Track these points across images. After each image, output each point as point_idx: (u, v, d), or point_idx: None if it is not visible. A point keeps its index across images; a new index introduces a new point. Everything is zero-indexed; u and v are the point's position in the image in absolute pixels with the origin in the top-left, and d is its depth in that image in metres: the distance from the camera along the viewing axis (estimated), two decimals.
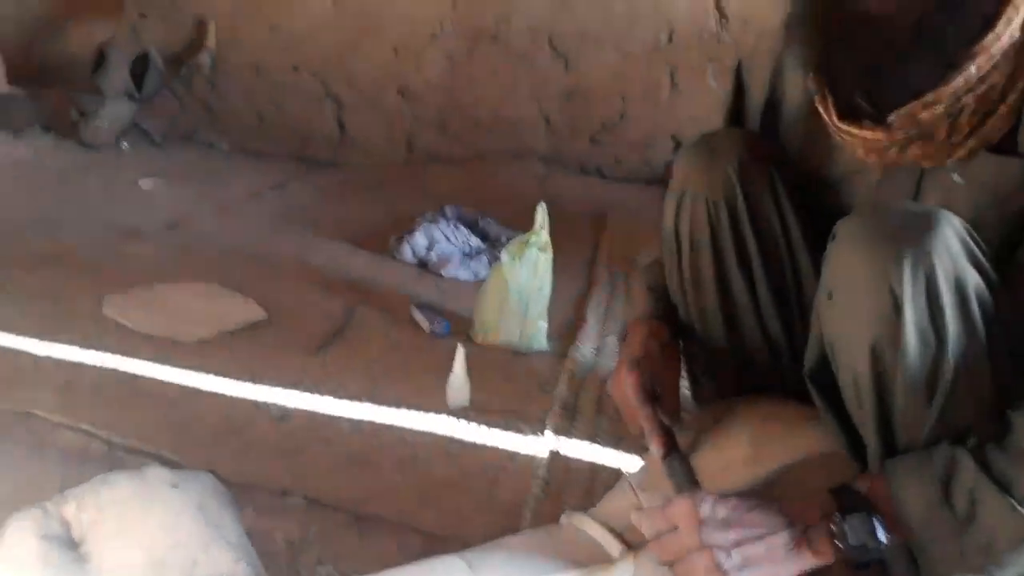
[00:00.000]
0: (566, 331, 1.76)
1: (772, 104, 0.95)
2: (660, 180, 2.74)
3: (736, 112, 1.01)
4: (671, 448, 0.88)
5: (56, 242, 2.08)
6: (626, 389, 0.91)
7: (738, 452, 0.87)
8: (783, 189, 0.89)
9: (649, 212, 2.59)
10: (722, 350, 0.96)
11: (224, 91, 3.15)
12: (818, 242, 0.84)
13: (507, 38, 2.77)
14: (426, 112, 2.97)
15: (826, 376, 0.80)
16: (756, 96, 0.97)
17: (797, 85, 0.89)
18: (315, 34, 2.99)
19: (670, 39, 2.68)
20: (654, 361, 0.93)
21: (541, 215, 1.63)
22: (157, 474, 0.96)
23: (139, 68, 3.01)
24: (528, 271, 1.62)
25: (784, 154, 0.92)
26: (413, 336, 1.72)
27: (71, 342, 1.53)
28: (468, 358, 1.42)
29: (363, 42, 2.94)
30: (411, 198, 2.64)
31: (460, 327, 1.73)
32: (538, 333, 1.66)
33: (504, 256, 1.63)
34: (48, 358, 1.49)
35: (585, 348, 1.66)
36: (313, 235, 2.27)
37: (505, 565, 0.85)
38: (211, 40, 3.06)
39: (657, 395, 0.92)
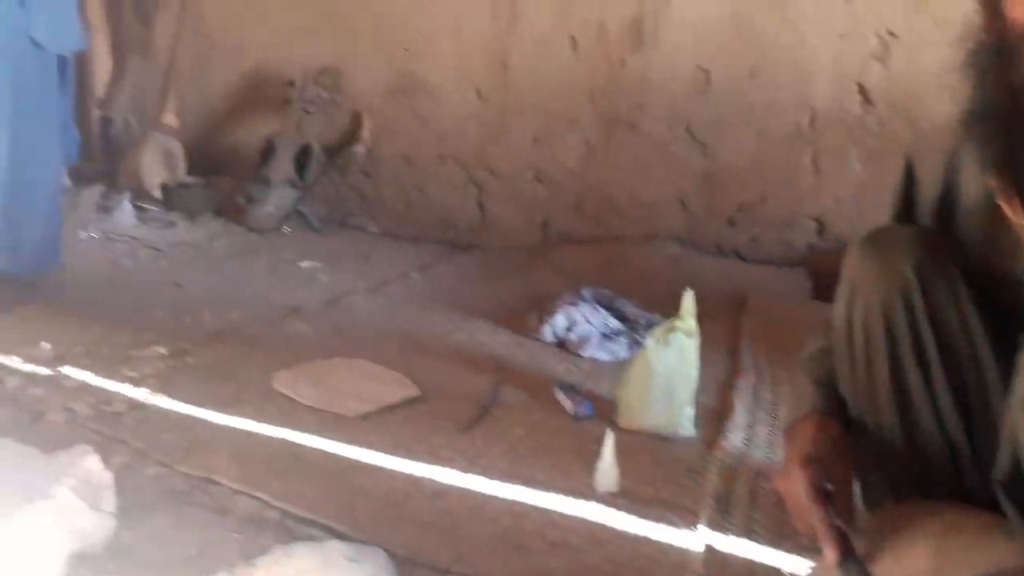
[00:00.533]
0: (711, 418, 1.75)
1: (946, 200, 0.94)
2: (802, 262, 2.70)
3: (906, 208, 1.00)
4: (847, 553, 0.84)
5: (228, 318, 2.28)
6: (798, 487, 0.89)
7: (921, 563, 0.83)
8: (963, 286, 0.88)
9: (791, 295, 2.57)
10: (897, 449, 0.93)
11: (376, 179, 3.39)
12: (1000, 341, 0.81)
13: (644, 126, 2.85)
14: (562, 195, 3.07)
15: (1019, 485, 0.76)
16: (929, 192, 0.96)
17: (976, 182, 0.88)
18: (461, 126, 3.18)
19: (811, 123, 2.67)
20: (825, 458, 0.91)
21: (688, 301, 1.64)
22: (335, 548, 1.02)
23: (302, 158, 3.29)
24: (675, 356, 1.63)
25: (962, 251, 0.91)
26: (557, 417, 1.75)
27: (245, 414, 1.66)
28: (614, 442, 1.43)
29: (504, 132, 3.10)
30: (548, 278, 2.73)
31: (602, 409, 1.75)
32: (685, 419, 1.65)
33: (650, 340, 1.65)
34: (225, 427, 1.62)
35: (734, 437, 1.64)
36: (458, 315, 2.37)
37: None
38: (366, 133, 3.31)
39: (829, 495, 0.90)
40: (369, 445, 1.55)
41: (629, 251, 2.87)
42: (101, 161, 3.60)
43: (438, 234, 3.30)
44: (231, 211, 3.34)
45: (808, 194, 2.74)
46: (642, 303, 2.39)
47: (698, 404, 1.69)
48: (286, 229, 3.29)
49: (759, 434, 1.67)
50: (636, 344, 2.12)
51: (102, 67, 3.49)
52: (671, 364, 1.62)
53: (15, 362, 1.84)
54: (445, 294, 2.59)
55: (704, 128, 2.80)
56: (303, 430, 1.61)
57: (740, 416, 1.73)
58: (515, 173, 3.12)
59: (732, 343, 2.20)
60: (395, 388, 1.81)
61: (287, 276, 2.76)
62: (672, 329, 1.63)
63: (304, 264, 2.87)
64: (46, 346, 1.91)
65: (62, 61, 2.17)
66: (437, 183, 3.29)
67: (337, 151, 3.39)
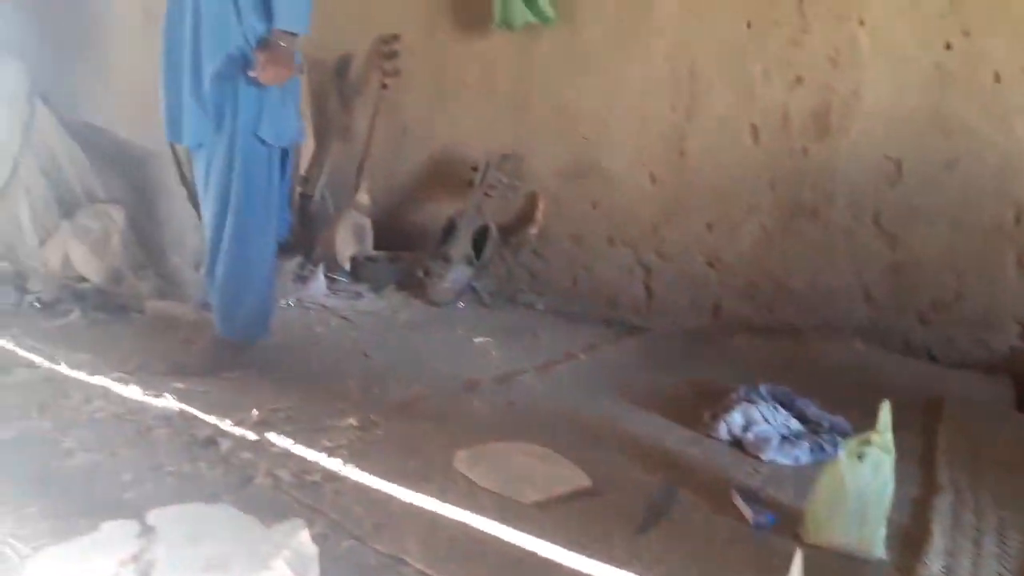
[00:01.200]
0: (905, 540, 1.63)
1: None
2: (1003, 368, 2.49)
3: None
4: None
5: (410, 390, 2.40)
6: None
7: None
8: None
9: (992, 405, 2.37)
10: None
11: (546, 258, 3.49)
12: None
13: (827, 214, 2.78)
14: (735, 280, 3.02)
15: None
16: None
17: None
18: (632, 209, 3.23)
19: (1017, 219, 2.49)
20: None
21: (885, 415, 1.56)
22: None
23: (479, 238, 3.46)
24: (869, 472, 1.55)
25: None
26: (736, 526, 1.69)
27: (430, 492, 1.74)
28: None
29: (677, 217, 3.12)
30: (719, 368, 2.68)
31: (784, 519, 1.68)
32: (877, 540, 1.55)
33: (842, 453, 1.58)
34: (412, 505, 1.70)
35: (933, 564, 1.52)
36: (626, 402, 2.37)
37: None
38: (540, 214, 3.44)
39: None
40: (545, 537, 1.57)
41: (808, 344, 2.77)
42: (299, 234, 3.95)
43: (603, 313, 3.33)
44: (412, 284, 3.55)
45: (1011, 293, 2.54)
46: (823, 402, 2.29)
47: (890, 523, 1.59)
48: (460, 304, 3.45)
49: (961, 564, 1.55)
50: (819, 449, 2.03)
51: (306, 150, 3.86)
52: (865, 480, 1.54)
53: (227, 425, 2.04)
54: (612, 378, 2.60)
55: (893, 218, 2.68)
56: (482, 513, 1.66)
57: (938, 540, 1.61)
58: (686, 256, 3.12)
59: (926, 456, 2.06)
60: (568, 477, 1.84)
61: (462, 350, 2.87)
62: (867, 442, 1.55)
63: (477, 340, 2.98)
64: (255, 412, 2.10)
65: (284, 153, 2.43)
66: (605, 263, 3.35)
67: (512, 231, 3.54)
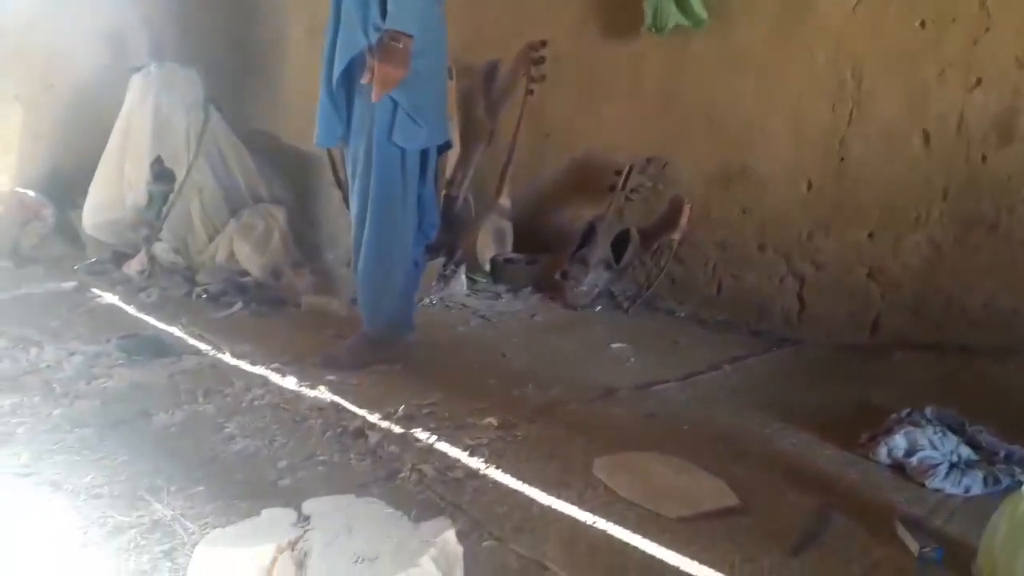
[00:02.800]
0: None
1: None
2: None
3: None
4: None
5: (549, 394, 2.40)
6: None
7: None
8: None
9: None
10: None
11: (689, 263, 3.40)
12: None
13: (1009, 228, 2.53)
14: (899, 295, 2.82)
15: None
16: None
17: None
18: (785, 216, 3.08)
19: None
20: None
21: None
22: None
23: (619, 242, 3.42)
24: None
25: None
26: (898, 556, 1.57)
27: (569, 498, 1.72)
28: None
29: (835, 225, 2.95)
30: (879, 386, 2.50)
31: (953, 554, 1.54)
32: None
33: None
34: (551, 509, 1.69)
35: None
36: (776, 418, 2.25)
37: None
38: (684, 220, 3.34)
39: None
40: (690, 554, 1.52)
41: (980, 365, 2.53)
42: (442, 235, 4.04)
43: (750, 323, 3.20)
44: (549, 287, 3.55)
45: None
46: (998, 430, 2.08)
47: None
48: (597, 308, 3.41)
49: None
50: (994, 480, 1.86)
51: (452, 152, 3.94)
52: None
53: (376, 418, 2.11)
54: (762, 393, 2.48)
55: None
56: (623, 524, 1.62)
57: None
58: (844, 267, 2.94)
59: None
60: (714, 494, 1.76)
61: (599, 356, 2.84)
62: None
63: (615, 346, 2.93)
64: (401, 407, 2.16)
65: (424, 156, 2.49)
66: (754, 271, 3.21)
67: (654, 236, 3.46)
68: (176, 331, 2.80)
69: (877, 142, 2.81)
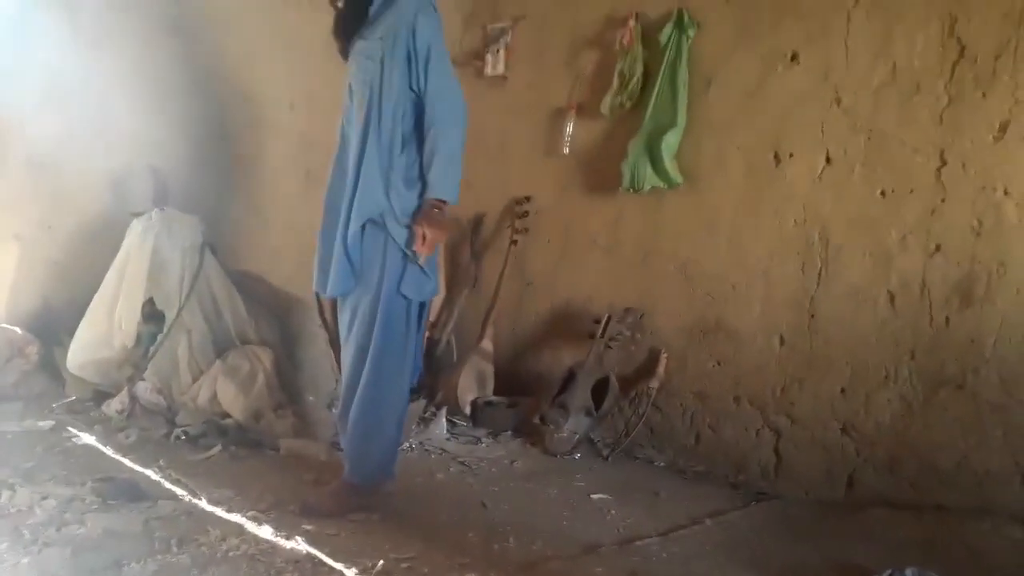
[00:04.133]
0: None
1: None
2: None
3: None
4: None
5: (530, 549, 2.37)
6: None
7: None
8: None
9: None
10: None
11: (667, 413, 3.44)
12: None
13: (975, 388, 2.63)
14: (873, 452, 2.86)
15: None
16: None
17: None
18: (760, 370, 3.17)
19: None
20: None
21: None
22: None
23: (599, 389, 3.47)
24: None
25: None
26: None
27: None
28: None
29: (809, 380, 3.03)
30: (858, 545, 2.51)
31: None
32: None
33: None
34: None
35: None
36: None
37: None
38: (662, 368, 3.43)
39: None
40: None
41: (956, 526, 2.55)
42: (424, 376, 4.09)
43: (728, 475, 3.22)
44: (529, 431, 3.57)
45: None
46: None
47: None
48: (577, 455, 3.41)
49: None
50: None
51: (437, 297, 4.06)
52: None
53: (353, 573, 2.07)
54: (743, 551, 2.47)
55: None
56: None
57: None
58: (818, 422, 3.00)
59: None
60: None
61: (580, 507, 2.82)
62: None
63: (595, 496, 2.92)
64: (380, 562, 2.12)
65: (422, 305, 2.59)
66: (730, 423, 3.26)
67: (632, 384, 3.53)
68: (153, 474, 2.76)
69: (845, 301, 2.95)
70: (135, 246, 3.45)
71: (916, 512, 2.68)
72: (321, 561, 2.13)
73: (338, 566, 2.10)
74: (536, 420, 3.53)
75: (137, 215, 3.61)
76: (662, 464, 3.40)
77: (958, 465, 2.66)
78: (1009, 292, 2.60)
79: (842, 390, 2.94)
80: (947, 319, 2.71)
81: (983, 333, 2.64)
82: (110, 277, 3.50)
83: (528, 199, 3.99)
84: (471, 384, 3.87)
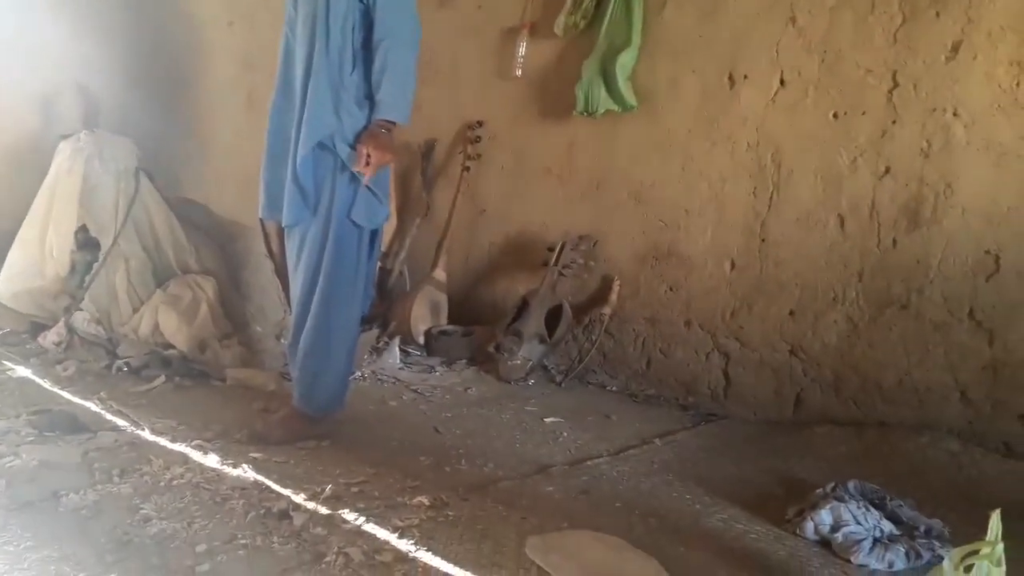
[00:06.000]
0: None
1: None
2: None
3: None
4: None
5: (482, 471, 2.37)
6: None
7: None
8: None
9: None
10: None
11: (619, 339, 3.46)
12: None
13: (919, 308, 2.67)
14: (819, 373, 2.92)
15: None
16: None
17: None
18: (710, 294, 3.18)
19: None
20: None
21: (995, 525, 1.46)
22: None
23: (552, 316, 3.46)
24: None
25: None
26: None
27: None
28: None
29: (758, 303, 3.06)
30: (802, 462, 2.57)
31: None
32: None
33: (946, 563, 1.47)
34: None
35: None
36: (706, 494, 2.28)
37: None
38: (615, 295, 3.42)
39: None
40: None
41: (897, 440, 2.63)
42: (376, 307, 4.02)
43: (678, 397, 3.26)
44: (483, 360, 3.56)
45: None
46: (915, 503, 2.16)
47: None
48: (531, 381, 3.42)
49: None
50: (915, 555, 1.91)
51: (388, 226, 3.97)
52: None
53: (301, 499, 2.04)
54: (691, 468, 2.51)
55: (991, 315, 2.56)
56: None
57: None
58: (767, 345, 3.04)
59: None
60: (646, 573, 1.76)
61: (533, 430, 2.83)
62: (974, 553, 1.44)
63: (548, 420, 2.94)
64: (328, 487, 2.10)
65: (373, 233, 2.50)
66: (681, 347, 3.29)
67: (585, 311, 3.53)
68: (93, 406, 2.67)
69: (796, 225, 2.95)
70: (64, 169, 3.28)
71: (859, 428, 2.75)
72: (268, 488, 2.10)
73: (286, 492, 2.07)
74: (491, 348, 3.51)
75: (65, 137, 3.41)
76: (614, 389, 3.43)
77: (900, 383, 2.72)
78: (955, 213, 2.63)
79: (791, 312, 2.97)
80: (894, 241, 2.74)
81: (929, 254, 2.67)
82: (39, 202, 3.32)
83: (480, 124, 3.89)
84: (424, 313, 3.83)
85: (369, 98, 2.35)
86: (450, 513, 2.03)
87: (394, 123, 2.34)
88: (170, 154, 4.20)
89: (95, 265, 3.25)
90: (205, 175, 4.23)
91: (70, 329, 3.17)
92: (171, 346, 3.17)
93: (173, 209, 3.53)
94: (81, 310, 3.18)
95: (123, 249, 3.32)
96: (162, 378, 2.96)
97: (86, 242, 3.25)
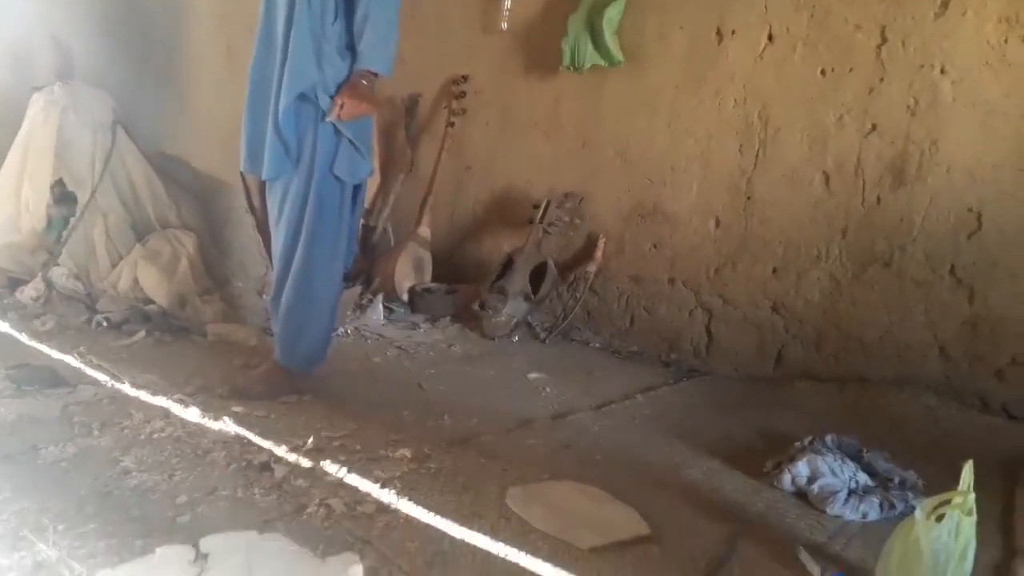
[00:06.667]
0: None
1: None
2: None
3: None
4: None
5: (465, 425, 2.38)
6: None
7: None
8: None
9: None
10: None
11: (604, 296, 3.46)
12: None
13: (901, 265, 2.68)
14: (801, 329, 2.93)
15: None
16: None
17: None
18: (694, 252, 3.18)
19: None
20: None
21: (968, 475, 1.48)
22: None
23: (537, 274, 3.45)
24: (948, 535, 1.45)
25: None
26: None
27: (481, 530, 1.70)
28: None
29: (742, 260, 3.06)
30: (783, 416, 2.60)
31: None
32: None
33: (918, 513, 1.49)
34: (464, 542, 1.66)
35: None
36: (686, 446, 2.31)
37: None
38: (599, 253, 3.41)
39: None
40: None
41: (877, 395, 2.66)
42: (359, 264, 4.00)
43: (661, 354, 3.28)
44: (468, 317, 3.55)
45: None
46: (892, 456, 2.19)
47: None
48: (515, 338, 3.43)
49: None
50: (889, 506, 1.94)
51: (372, 182, 3.92)
52: (943, 543, 1.45)
53: (283, 451, 2.04)
54: (672, 422, 2.54)
55: (972, 272, 2.57)
56: (536, 555, 1.61)
57: None
58: (750, 302, 3.05)
59: (1005, 519, 1.94)
60: (626, 523, 1.78)
61: (516, 386, 2.84)
62: (946, 503, 1.46)
63: (532, 376, 2.95)
64: (310, 440, 2.10)
65: (356, 188, 2.47)
66: (665, 305, 3.30)
67: (570, 269, 3.52)
68: (72, 361, 2.65)
69: (781, 182, 2.94)
70: (38, 122, 3.20)
71: (840, 384, 2.78)
72: (250, 441, 2.09)
73: (267, 445, 2.07)
74: (475, 305, 3.51)
75: (38, 89, 3.33)
76: (598, 345, 3.44)
77: (881, 339, 2.75)
78: (940, 171, 2.62)
79: (774, 270, 2.98)
80: (879, 198, 2.74)
81: (912, 211, 2.67)
82: (13, 156, 3.25)
83: (465, 78, 3.83)
84: (408, 271, 3.81)
85: (351, 49, 2.30)
86: (432, 465, 2.03)
87: (376, 74, 2.30)
88: (148, 108, 4.11)
89: (72, 220, 3.20)
90: (184, 130, 4.15)
91: (48, 284, 3.13)
92: (151, 301, 3.14)
93: (152, 164, 3.47)
94: (59, 265, 3.14)
95: (101, 204, 3.26)
96: (142, 333, 2.94)
97: (63, 196, 3.19)
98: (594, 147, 3.46)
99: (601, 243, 3.42)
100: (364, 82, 2.28)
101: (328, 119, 2.28)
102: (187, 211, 3.43)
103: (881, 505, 1.94)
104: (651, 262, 3.32)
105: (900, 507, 1.93)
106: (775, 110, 2.95)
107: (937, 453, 2.32)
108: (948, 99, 2.60)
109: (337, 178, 2.35)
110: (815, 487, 2.00)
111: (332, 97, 2.29)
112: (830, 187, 2.84)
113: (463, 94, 3.83)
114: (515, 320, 3.42)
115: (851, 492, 1.99)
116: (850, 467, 2.07)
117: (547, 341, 3.42)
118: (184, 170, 3.64)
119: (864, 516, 1.91)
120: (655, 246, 3.31)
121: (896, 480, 2.07)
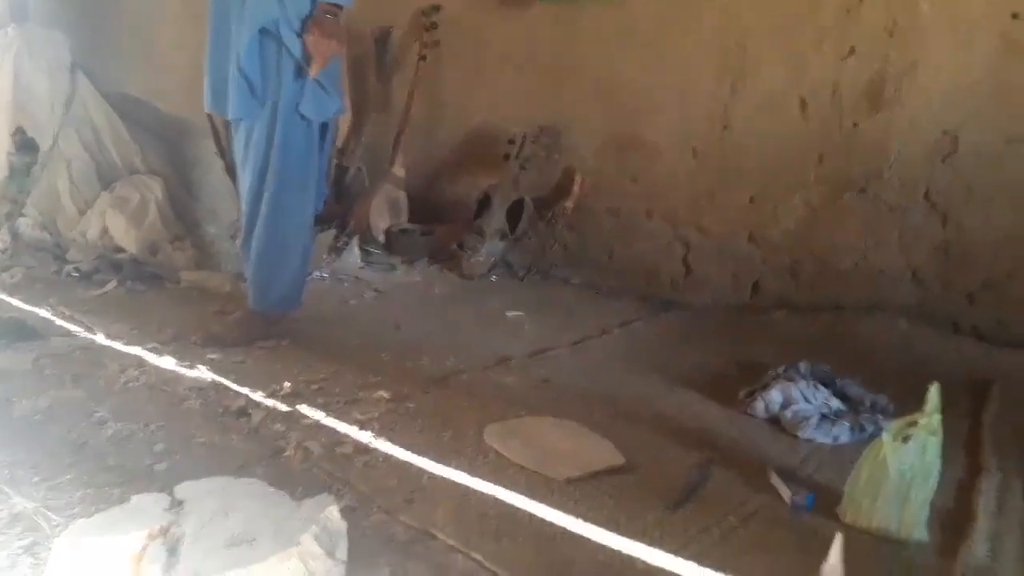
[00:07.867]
0: (947, 522, 1.57)
1: None
2: None
3: None
4: None
5: (443, 365, 2.38)
6: None
7: None
8: None
9: None
10: None
11: (581, 232, 3.44)
12: None
13: (877, 191, 2.68)
14: (778, 258, 2.94)
15: None
16: None
17: None
18: (672, 183, 3.16)
19: None
20: None
21: (934, 397, 1.50)
22: None
23: (514, 211, 3.42)
24: (914, 454, 1.48)
25: None
26: (773, 505, 1.64)
27: (460, 466, 1.72)
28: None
29: (719, 191, 3.04)
30: (758, 345, 2.62)
31: (822, 500, 1.63)
32: (920, 522, 1.50)
33: (886, 435, 1.51)
34: (442, 478, 1.68)
35: (977, 548, 1.46)
36: (661, 379, 2.33)
37: None
38: (577, 188, 3.38)
39: None
40: (578, 514, 1.54)
41: (851, 322, 2.69)
42: (333, 206, 3.94)
43: (640, 288, 3.28)
44: (445, 257, 3.53)
45: None
46: (865, 381, 2.22)
47: (933, 506, 1.53)
48: (493, 278, 3.41)
49: (1006, 547, 1.48)
50: (859, 428, 1.97)
51: (344, 122, 3.84)
52: (909, 463, 1.48)
53: (259, 396, 2.04)
54: (648, 354, 2.56)
55: (946, 197, 2.57)
56: (514, 489, 1.64)
57: (983, 523, 1.55)
58: (727, 232, 3.04)
59: (972, 437, 1.98)
60: (602, 454, 1.80)
61: (495, 325, 2.85)
62: (912, 424, 1.49)
63: (510, 314, 2.95)
64: (286, 384, 2.10)
65: (324, 127, 2.41)
66: (642, 238, 3.29)
67: (548, 205, 3.49)
68: (43, 312, 2.62)
69: (758, 110, 2.90)
70: None
71: (814, 312, 2.81)
72: (226, 387, 2.09)
73: (244, 390, 2.06)
74: (452, 245, 3.48)
75: None
76: (577, 282, 3.44)
77: (856, 266, 2.76)
78: (918, 94, 2.59)
79: (751, 199, 2.97)
80: (855, 124, 2.71)
81: (889, 136, 2.65)
82: None
83: (437, 8, 3.71)
84: (384, 212, 3.76)
85: None
86: (410, 405, 2.04)
87: (340, 6, 2.21)
88: (106, 49, 3.97)
89: (35, 168, 3.12)
90: (146, 70, 4.02)
91: (14, 235, 3.07)
92: (121, 249, 3.09)
93: (114, 107, 3.36)
94: (24, 215, 3.07)
95: (63, 150, 3.18)
96: (113, 282, 2.90)
97: (24, 144, 3.10)
98: (570, 80, 3.39)
99: (578, 178, 3.38)
100: (330, 16, 2.20)
101: (311, 77, 2.21)
102: (154, 155, 3.34)
103: (852, 428, 1.97)
104: (628, 195, 3.30)
105: (870, 429, 1.97)
106: (754, 37, 2.89)
107: (909, 376, 2.33)
108: (927, 18, 2.56)
109: (303, 117, 2.29)
110: (788, 412, 2.03)
111: (297, 33, 2.22)
112: (807, 113, 2.81)
113: (434, 25, 3.72)
114: (493, 259, 3.41)
115: (823, 417, 2.02)
116: (823, 393, 2.10)
117: (525, 280, 3.41)
118: (148, 112, 3.54)
119: (835, 439, 1.95)
120: (633, 179, 3.28)
121: (868, 403, 2.10)
